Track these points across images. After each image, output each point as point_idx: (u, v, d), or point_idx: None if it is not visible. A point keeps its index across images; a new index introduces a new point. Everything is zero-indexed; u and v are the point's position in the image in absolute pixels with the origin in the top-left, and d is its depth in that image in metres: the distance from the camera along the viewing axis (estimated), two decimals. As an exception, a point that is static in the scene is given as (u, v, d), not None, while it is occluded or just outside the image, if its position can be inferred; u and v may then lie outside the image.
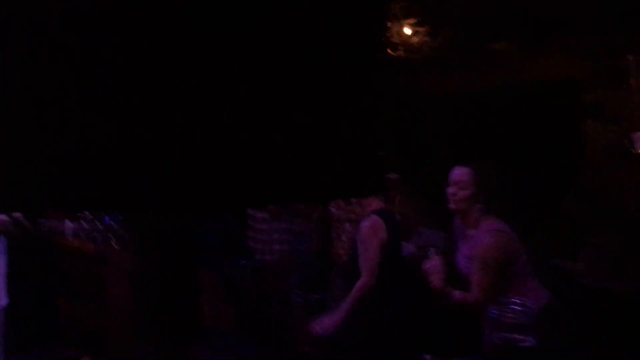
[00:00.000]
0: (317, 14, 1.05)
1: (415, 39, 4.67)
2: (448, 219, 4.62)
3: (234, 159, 0.98)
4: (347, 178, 1.10)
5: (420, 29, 4.62)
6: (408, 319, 2.98)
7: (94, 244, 4.08)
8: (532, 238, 4.46)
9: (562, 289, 3.56)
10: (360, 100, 1.09)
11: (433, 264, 2.59)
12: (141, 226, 3.39)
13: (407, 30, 4.63)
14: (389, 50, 5.01)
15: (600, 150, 5.25)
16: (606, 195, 4.46)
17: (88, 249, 4.20)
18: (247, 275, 4.10)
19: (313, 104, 1.04)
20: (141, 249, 3.87)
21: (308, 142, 1.03)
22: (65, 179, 0.95)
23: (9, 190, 0.96)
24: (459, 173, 2.80)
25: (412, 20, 4.63)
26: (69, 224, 4.38)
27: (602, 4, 4.77)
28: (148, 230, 3.42)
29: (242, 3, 0.97)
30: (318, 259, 4.13)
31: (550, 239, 4.30)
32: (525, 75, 5.57)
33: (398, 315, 2.97)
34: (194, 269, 4.13)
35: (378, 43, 1.11)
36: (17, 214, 3.51)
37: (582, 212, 4.45)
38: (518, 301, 1.65)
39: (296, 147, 1.01)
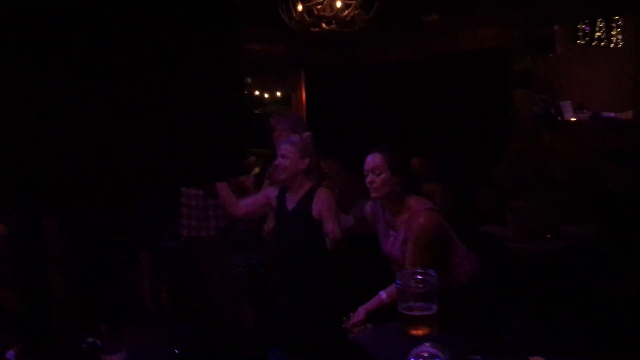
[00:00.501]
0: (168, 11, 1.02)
1: (348, 13, 4.66)
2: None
3: (106, 152, 0.97)
4: (202, 163, 1.10)
5: (352, 2, 4.60)
6: (340, 293, 3.02)
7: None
8: (465, 205, 4.60)
9: (493, 254, 3.71)
10: (212, 90, 1.07)
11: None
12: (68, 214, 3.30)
13: (339, 4, 4.60)
14: (323, 24, 4.99)
15: (529, 118, 5.43)
16: (534, 161, 4.62)
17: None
18: (178, 255, 4.05)
19: (166, 93, 1.02)
20: (70, 234, 3.78)
21: (160, 131, 1.02)
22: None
23: None
24: (371, 160, 2.81)
25: (344, -7, 4.62)
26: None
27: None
28: (73, 217, 3.33)
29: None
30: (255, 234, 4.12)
31: (482, 205, 4.43)
32: (457, 46, 5.66)
33: (332, 291, 3.00)
34: (126, 252, 4.07)
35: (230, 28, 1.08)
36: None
37: (511, 179, 4.60)
38: (421, 271, 1.71)
39: (149, 135, 1.00)
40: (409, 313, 1.71)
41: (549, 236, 3.79)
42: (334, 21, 4.86)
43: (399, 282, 1.72)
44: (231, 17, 1.11)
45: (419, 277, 1.71)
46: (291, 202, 3.09)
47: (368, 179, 2.78)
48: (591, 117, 5.89)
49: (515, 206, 4.03)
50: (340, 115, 6.43)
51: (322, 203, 2.98)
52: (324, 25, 4.96)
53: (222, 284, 4.13)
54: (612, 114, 6.00)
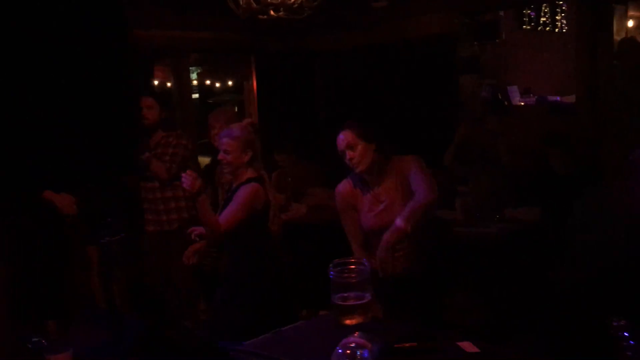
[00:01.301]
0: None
1: (295, 0, 4.61)
2: (337, 178, 4.72)
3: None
4: (87, 162, 1.07)
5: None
6: (281, 279, 3.01)
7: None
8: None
9: (442, 238, 3.76)
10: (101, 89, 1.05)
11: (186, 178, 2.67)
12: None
13: (286, -10, 4.56)
14: (271, 12, 4.93)
15: (477, 103, 5.51)
16: (482, 146, 4.70)
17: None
18: (122, 251, 3.97)
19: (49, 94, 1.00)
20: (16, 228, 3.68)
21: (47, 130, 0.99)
22: None
23: None
24: (343, 137, 2.84)
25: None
26: None
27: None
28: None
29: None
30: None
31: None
32: (406, 32, 5.69)
33: (272, 278, 2.99)
34: (75, 247, 3.97)
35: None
36: None
37: (460, 163, 4.67)
38: (354, 260, 1.71)
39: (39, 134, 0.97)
40: (342, 303, 1.71)
41: (496, 219, 3.88)
42: (282, 8, 4.81)
43: (331, 273, 1.72)
44: (116, 20, 1.08)
45: (352, 266, 1.72)
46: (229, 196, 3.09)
47: (347, 157, 2.81)
48: (537, 101, 6.02)
49: (462, 190, 4.10)
50: (292, 103, 6.40)
51: (239, 194, 2.96)
52: (272, 12, 4.91)
53: (185, 278, 4.08)
54: (558, 98, 6.14)
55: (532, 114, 5.82)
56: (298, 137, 6.02)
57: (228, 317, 2.91)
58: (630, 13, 8.99)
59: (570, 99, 5.67)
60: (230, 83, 8.32)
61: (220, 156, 3.05)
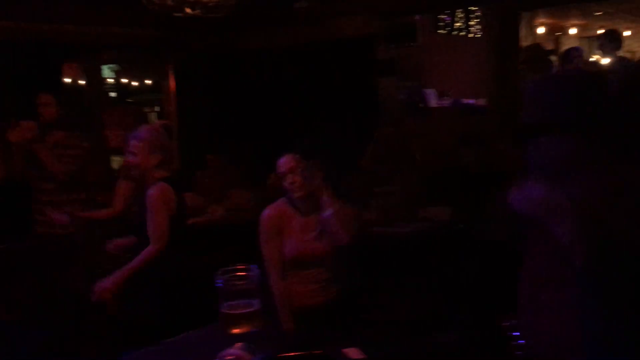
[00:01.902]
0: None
1: (212, -3, 4.53)
2: (261, 181, 4.67)
3: None
4: None
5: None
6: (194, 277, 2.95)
7: None
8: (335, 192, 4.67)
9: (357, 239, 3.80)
10: None
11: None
12: None
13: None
14: (187, 10, 4.83)
15: (395, 105, 5.61)
16: (399, 147, 4.79)
17: None
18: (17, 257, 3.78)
19: None
20: None
21: None
22: None
23: None
24: (286, 161, 2.80)
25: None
26: None
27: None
28: None
29: None
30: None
31: (350, 191, 4.53)
32: (326, 34, 5.72)
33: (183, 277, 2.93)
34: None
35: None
36: None
37: (378, 164, 4.74)
38: (243, 267, 1.67)
39: None
40: (230, 312, 1.64)
41: (411, 219, 3.96)
42: (198, 6, 4.72)
43: (219, 280, 1.65)
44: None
45: (241, 273, 1.66)
46: (143, 198, 2.99)
47: (289, 181, 2.75)
48: (452, 104, 6.21)
49: (378, 191, 4.16)
50: (213, 103, 6.29)
51: (149, 200, 2.90)
52: (188, 10, 4.80)
53: (85, 283, 3.91)
54: (472, 101, 6.35)
55: (448, 115, 5.99)
56: (221, 138, 5.93)
57: (137, 319, 2.82)
58: (541, 20, 9.47)
59: (484, 101, 5.88)
60: (149, 82, 8.09)
61: (126, 158, 2.98)
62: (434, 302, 3.66)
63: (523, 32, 5.10)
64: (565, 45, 10.67)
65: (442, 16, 6.57)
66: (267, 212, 2.85)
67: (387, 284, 3.77)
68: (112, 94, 8.22)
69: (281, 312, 2.76)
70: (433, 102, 6.30)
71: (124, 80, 8.29)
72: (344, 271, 2.90)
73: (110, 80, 7.99)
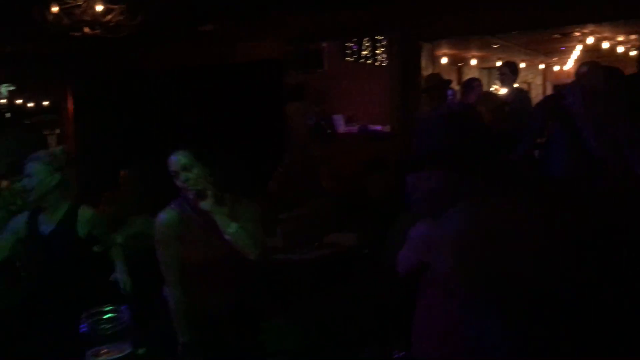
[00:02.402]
0: None
1: (110, 18, 4.37)
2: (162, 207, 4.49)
3: None
4: None
5: (115, 8, 4.33)
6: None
7: None
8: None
9: (261, 266, 3.71)
10: None
11: None
12: None
13: (100, 8, 4.29)
14: (86, 29, 4.63)
15: (303, 130, 5.62)
16: (306, 173, 4.78)
17: None
18: None
19: None
20: None
21: None
22: None
23: None
24: (177, 158, 2.68)
25: None
26: None
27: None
28: None
29: None
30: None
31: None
32: (233, 57, 5.67)
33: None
34: None
35: None
36: None
37: (285, 190, 4.70)
38: (111, 308, 1.54)
39: None
40: (97, 359, 1.48)
41: (315, 245, 3.92)
42: (97, 26, 4.54)
43: (83, 325, 1.50)
44: None
45: (108, 315, 1.51)
46: (48, 225, 2.85)
47: (181, 179, 2.60)
48: (360, 130, 6.30)
49: (284, 217, 4.10)
50: (113, 124, 6.05)
51: (91, 222, 2.85)
52: (87, 30, 4.61)
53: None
54: (379, 127, 6.48)
55: (355, 141, 6.07)
56: (123, 158, 5.69)
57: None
58: (444, 51, 9.88)
59: (389, 128, 6.01)
60: (45, 103, 7.68)
61: (23, 182, 2.85)
62: (330, 330, 3.62)
63: (424, 62, 5.28)
64: (467, 75, 11.20)
65: (350, 44, 6.70)
66: (164, 215, 2.70)
67: (287, 311, 3.71)
68: (7, 115, 7.74)
69: (178, 323, 2.63)
70: (341, 127, 6.37)
71: (19, 101, 7.83)
72: (247, 282, 2.82)
73: (3, 101, 7.53)
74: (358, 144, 5.87)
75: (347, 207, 4.37)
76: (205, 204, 2.58)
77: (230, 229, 2.58)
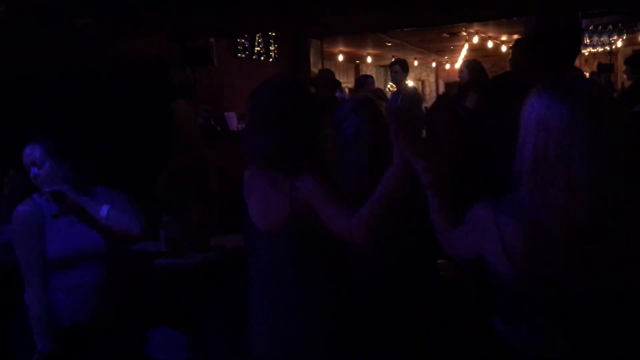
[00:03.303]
0: None
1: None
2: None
3: None
4: None
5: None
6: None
7: None
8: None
9: (142, 272, 3.53)
10: None
11: None
12: None
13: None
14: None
15: (192, 129, 5.43)
16: (194, 173, 4.61)
17: None
18: None
19: None
20: None
21: None
22: None
23: None
24: (30, 152, 2.52)
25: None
26: None
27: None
28: None
29: None
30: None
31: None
32: (116, 54, 5.37)
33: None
34: None
35: None
36: None
37: (172, 191, 4.51)
38: None
39: None
40: None
41: (202, 248, 3.77)
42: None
43: None
44: None
45: None
46: None
47: (31, 174, 2.48)
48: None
49: (167, 220, 3.92)
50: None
51: None
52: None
53: None
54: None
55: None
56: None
57: None
58: (340, 48, 9.97)
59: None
60: None
61: None
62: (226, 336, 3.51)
63: (313, 58, 5.25)
64: (364, 72, 11.40)
65: (242, 40, 6.57)
66: (22, 207, 2.50)
67: (173, 319, 3.55)
68: None
69: (39, 329, 2.41)
70: (233, 125, 6.23)
71: None
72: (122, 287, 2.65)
73: None
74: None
75: (236, 209, 4.24)
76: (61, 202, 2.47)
77: (103, 212, 2.45)
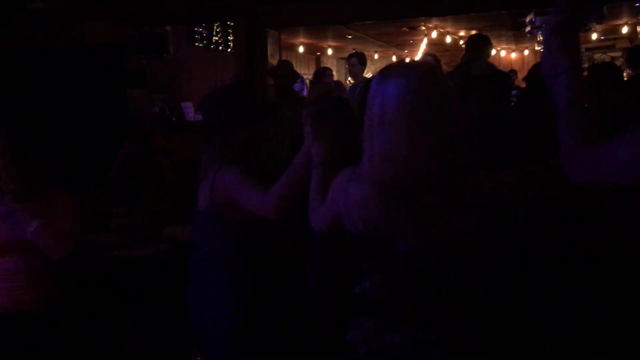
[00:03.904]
0: None
1: None
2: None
3: None
4: None
5: None
6: None
7: None
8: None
9: (94, 264, 3.45)
10: None
11: None
12: None
13: None
14: None
15: (146, 118, 5.32)
16: (148, 163, 4.52)
17: None
18: None
19: None
20: None
21: None
22: None
23: None
24: None
25: None
26: None
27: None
28: None
29: None
30: None
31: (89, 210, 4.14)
32: (68, 38, 5.22)
33: None
34: None
35: None
36: None
37: (125, 181, 4.42)
38: None
39: None
40: None
41: (154, 240, 3.71)
42: None
43: None
44: None
45: None
46: None
47: None
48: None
49: (118, 211, 3.84)
50: None
51: None
52: None
53: None
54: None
55: (204, 135, 5.86)
56: None
57: None
58: (301, 40, 9.92)
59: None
60: None
61: None
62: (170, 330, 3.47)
63: (271, 49, 5.21)
64: (325, 64, 11.37)
65: (199, 29, 6.46)
66: None
67: (125, 311, 3.49)
68: None
69: None
70: (190, 115, 6.14)
71: None
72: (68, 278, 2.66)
73: None
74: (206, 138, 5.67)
75: (190, 199, 4.18)
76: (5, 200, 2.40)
77: (31, 227, 2.39)
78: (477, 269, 1.53)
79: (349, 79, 10.87)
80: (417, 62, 1.64)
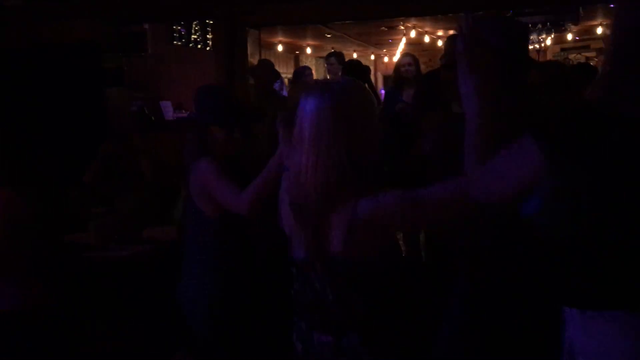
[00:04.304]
0: None
1: None
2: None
3: None
4: None
5: None
6: None
7: None
8: (55, 212, 4.16)
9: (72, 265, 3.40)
10: None
11: None
12: None
13: None
14: None
15: (124, 117, 5.26)
16: (126, 163, 4.47)
17: None
18: None
19: None
20: None
21: None
22: None
23: None
24: None
25: None
26: None
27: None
28: None
29: None
30: None
31: (66, 211, 4.07)
32: (44, 36, 5.14)
33: None
34: None
35: None
36: None
37: (103, 181, 4.36)
38: None
39: None
40: None
41: (133, 241, 3.67)
42: None
43: None
44: None
45: None
46: None
47: None
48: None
49: (97, 212, 3.79)
50: None
51: None
52: None
53: None
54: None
55: (185, 129, 5.81)
56: None
57: None
58: (280, 39, 9.89)
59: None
60: None
61: None
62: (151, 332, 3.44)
63: (251, 48, 5.18)
64: (304, 63, 11.36)
65: (177, 27, 6.41)
66: None
67: (105, 313, 3.45)
68: None
69: None
70: (169, 114, 6.09)
71: None
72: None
73: None
74: (187, 131, 5.63)
75: (169, 199, 4.15)
76: None
77: None
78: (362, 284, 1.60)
79: (328, 78, 10.89)
80: (338, 80, 1.64)
